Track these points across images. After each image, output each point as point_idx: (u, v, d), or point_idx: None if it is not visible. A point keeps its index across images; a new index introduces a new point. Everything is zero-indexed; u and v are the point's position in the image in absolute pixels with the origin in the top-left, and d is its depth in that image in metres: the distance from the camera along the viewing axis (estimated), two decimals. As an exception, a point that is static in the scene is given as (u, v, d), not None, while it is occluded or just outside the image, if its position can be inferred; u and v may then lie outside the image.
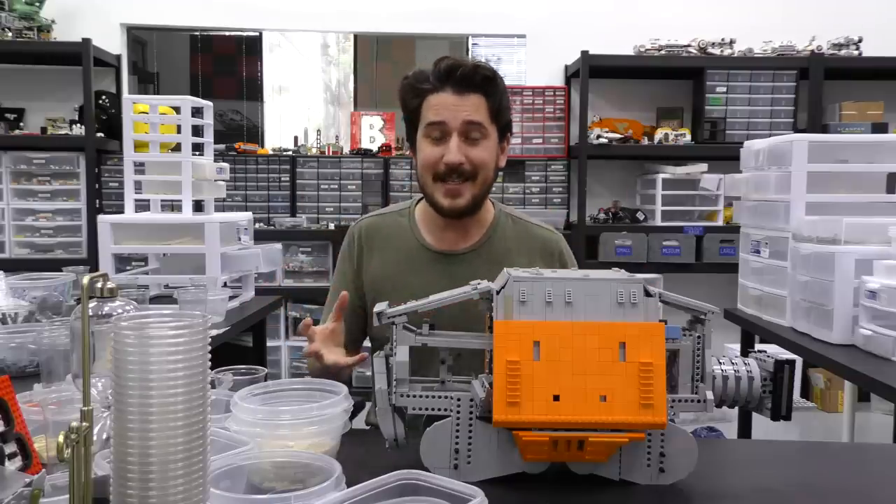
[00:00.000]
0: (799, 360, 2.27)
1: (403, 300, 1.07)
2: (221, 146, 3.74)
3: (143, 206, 2.71)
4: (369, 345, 1.67)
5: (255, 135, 4.41)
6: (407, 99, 1.52)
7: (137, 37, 4.19)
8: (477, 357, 1.09)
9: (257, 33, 4.30)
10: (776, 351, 1.28)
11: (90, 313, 0.76)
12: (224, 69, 4.40)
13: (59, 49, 3.71)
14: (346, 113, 4.49)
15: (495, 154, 1.52)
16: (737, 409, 1.24)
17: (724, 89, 3.75)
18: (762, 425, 2.52)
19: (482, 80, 1.45)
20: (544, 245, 1.61)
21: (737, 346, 2.97)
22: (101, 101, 3.82)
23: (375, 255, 1.60)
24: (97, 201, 3.75)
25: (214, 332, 2.06)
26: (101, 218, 2.63)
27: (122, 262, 2.79)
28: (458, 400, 1.03)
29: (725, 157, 3.49)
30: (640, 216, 3.85)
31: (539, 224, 1.66)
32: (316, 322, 1.51)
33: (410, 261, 1.57)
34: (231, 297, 2.49)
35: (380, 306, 1.05)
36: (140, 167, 2.68)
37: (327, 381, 1.13)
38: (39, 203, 3.74)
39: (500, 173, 3.78)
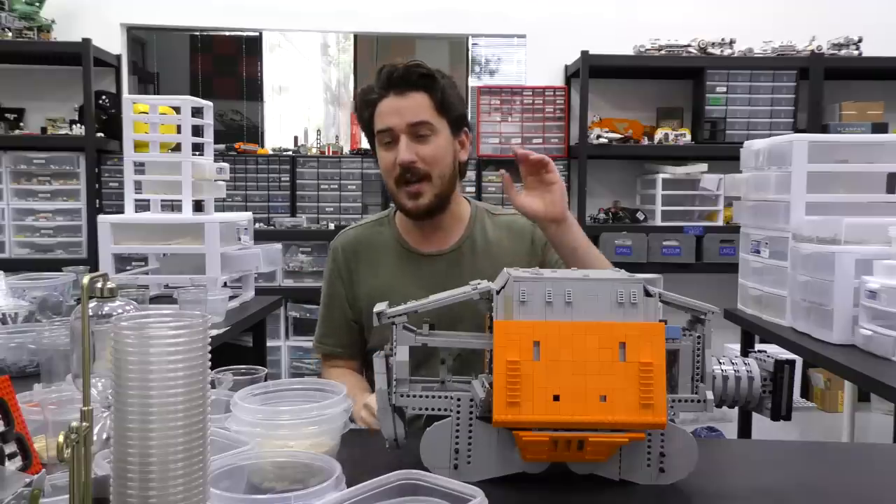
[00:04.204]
0: (799, 360, 2.27)
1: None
2: (221, 146, 3.74)
3: (143, 206, 2.71)
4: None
5: (255, 135, 4.41)
6: (361, 114, 1.56)
7: (137, 37, 4.19)
8: (477, 357, 1.09)
9: (257, 33, 4.30)
10: (776, 351, 1.28)
11: (90, 313, 0.76)
12: (224, 69, 4.40)
13: (59, 49, 3.71)
14: (346, 113, 4.49)
15: (450, 149, 1.54)
16: (737, 409, 1.24)
17: (724, 89, 3.75)
18: (762, 425, 2.52)
19: (419, 78, 1.49)
20: (523, 232, 1.63)
21: (737, 346, 2.97)
22: (101, 101, 3.82)
23: (364, 267, 1.62)
24: (97, 201, 3.75)
25: (214, 332, 2.06)
26: (101, 218, 2.63)
27: (122, 262, 2.79)
28: (458, 400, 1.03)
29: (725, 157, 3.49)
30: (640, 216, 3.85)
31: (515, 213, 1.67)
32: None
33: (399, 267, 1.59)
34: (231, 297, 2.48)
35: (380, 306, 1.05)
36: (140, 167, 2.67)
37: (327, 381, 1.13)
38: (39, 203, 3.74)
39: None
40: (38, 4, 3.69)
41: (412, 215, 1.55)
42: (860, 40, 3.77)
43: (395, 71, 1.49)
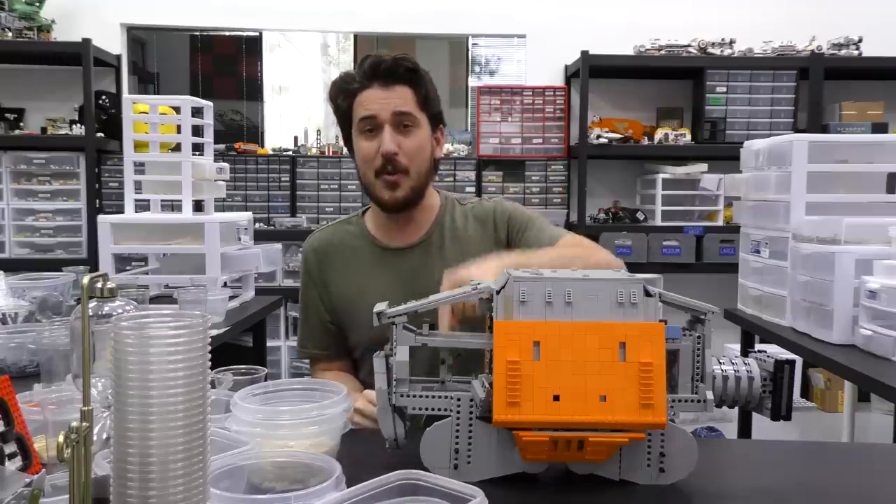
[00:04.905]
0: (799, 360, 2.27)
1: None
2: (221, 146, 3.74)
3: (143, 206, 2.71)
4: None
5: (255, 135, 4.41)
6: (338, 101, 1.55)
7: (137, 37, 4.19)
8: (477, 357, 1.09)
9: (257, 33, 4.30)
10: (776, 351, 1.28)
11: (90, 313, 0.76)
12: (224, 69, 4.40)
13: (59, 49, 3.71)
14: (346, 113, 4.48)
15: (429, 144, 1.55)
16: (737, 409, 1.23)
17: (724, 89, 3.75)
18: (762, 425, 2.52)
19: (406, 72, 1.49)
20: (486, 216, 1.61)
21: (737, 346, 2.97)
22: (101, 101, 3.82)
23: (336, 268, 1.62)
24: (97, 201, 3.75)
25: (214, 332, 2.06)
26: (101, 218, 2.63)
27: (122, 262, 2.79)
28: (458, 400, 1.03)
29: (725, 157, 3.49)
30: (640, 216, 3.85)
31: (480, 199, 1.69)
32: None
33: (372, 264, 1.60)
34: (231, 297, 2.49)
35: (380, 306, 1.05)
36: (140, 167, 2.68)
37: (327, 381, 1.13)
38: (39, 203, 3.74)
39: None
40: (38, 4, 3.69)
41: (388, 208, 1.54)
42: (860, 40, 3.77)
43: (383, 62, 1.47)
